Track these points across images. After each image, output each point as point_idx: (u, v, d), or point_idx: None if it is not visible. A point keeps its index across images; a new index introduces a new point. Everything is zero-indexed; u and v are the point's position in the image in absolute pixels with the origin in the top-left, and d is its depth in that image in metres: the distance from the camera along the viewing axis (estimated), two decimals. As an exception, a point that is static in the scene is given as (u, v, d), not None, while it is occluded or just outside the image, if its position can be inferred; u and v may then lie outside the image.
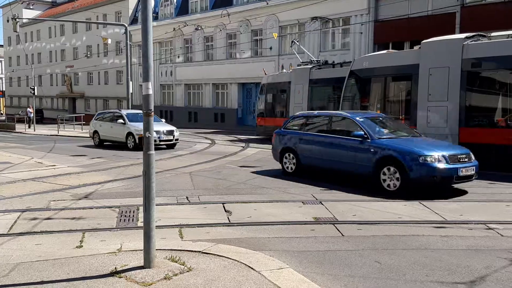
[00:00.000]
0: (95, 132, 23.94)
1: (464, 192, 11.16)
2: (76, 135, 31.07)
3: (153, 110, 6.66)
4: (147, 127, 6.59)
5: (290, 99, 23.92)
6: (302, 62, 25.68)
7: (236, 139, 25.65)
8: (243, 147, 21.43)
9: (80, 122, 40.77)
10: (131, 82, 29.23)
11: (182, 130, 30.99)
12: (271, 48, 37.07)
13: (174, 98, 46.64)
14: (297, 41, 29.21)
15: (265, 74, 29.00)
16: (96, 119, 24.22)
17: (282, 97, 25.00)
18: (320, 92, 22.86)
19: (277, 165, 15.01)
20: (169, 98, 47.53)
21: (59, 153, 19.14)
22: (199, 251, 7.09)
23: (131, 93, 28.28)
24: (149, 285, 6.08)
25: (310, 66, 23.77)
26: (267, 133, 25.11)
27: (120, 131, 21.91)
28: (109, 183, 11.99)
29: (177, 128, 23.11)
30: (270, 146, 17.11)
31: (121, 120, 22.02)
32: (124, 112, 22.46)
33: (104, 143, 23.32)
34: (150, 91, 6.62)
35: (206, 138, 26.34)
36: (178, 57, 45.03)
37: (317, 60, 24.98)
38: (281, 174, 13.49)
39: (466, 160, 10.93)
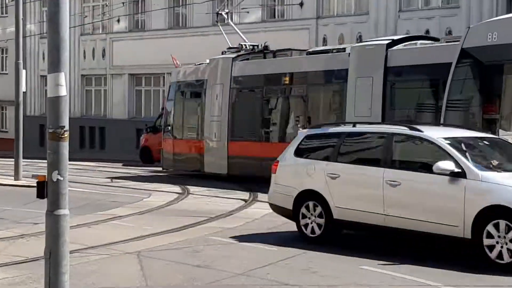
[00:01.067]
0: None
1: None
2: None
3: (67, 127, 6.22)
4: (54, 162, 6.21)
5: (205, 109, 21.57)
6: (230, 48, 22.88)
7: (231, 183, 21.42)
8: (245, 200, 17.98)
9: None
10: (24, 72, 23.93)
11: (121, 167, 28.06)
12: (301, 3, 32.08)
13: (108, 103, 39.53)
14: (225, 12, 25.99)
15: (177, 66, 25.25)
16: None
17: (195, 106, 22.67)
18: (247, 98, 21.02)
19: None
20: (98, 102, 40.19)
21: None
22: None
23: (24, 93, 24.12)
24: None
25: (234, 55, 21.50)
26: (179, 166, 22.94)
27: None
28: None
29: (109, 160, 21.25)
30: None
31: None
32: None
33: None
34: (63, 91, 6.12)
35: (166, 180, 22.34)
36: (118, 21, 38.50)
37: (253, 45, 22.38)
38: (303, 243, 12.09)
39: None
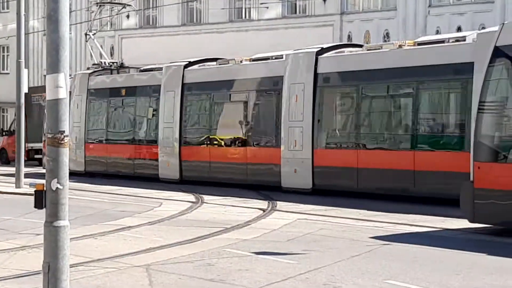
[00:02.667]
0: None
1: None
2: None
3: (67, 132, 6.22)
4: (54, 169, 6.15)
5: (72, 115, 26.15)
6: (93, 65, 28.85)
7: (249, 191, 21.84)
8: (263, 210, 18.00)
9: None
10: (26, 71, 23.97)
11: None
12: (324, -2, 30.58)
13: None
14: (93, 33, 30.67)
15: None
16: None
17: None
18: (99, 109, 26.92)
19: (344, 252, 12.60)
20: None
21: None
22: None
23: (26, 94, 23.79)
24: None
25: (90, 71, 27.79)
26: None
27: None
28: None
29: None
30: (319, 209, 17.10)
31: None
32: None
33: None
34: (63, 93, 6.10)
35: (183, 190, 22.35)
36: (128, 17, 39.62)
37: (110, 63, 28.12)
38: (325, 256, 11.78)
39: None
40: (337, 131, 19.30)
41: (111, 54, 38.46)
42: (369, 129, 18.66)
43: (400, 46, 18.36)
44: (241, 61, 22.56)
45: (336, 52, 19.68)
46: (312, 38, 29.65)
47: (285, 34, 31.36)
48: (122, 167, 25.52)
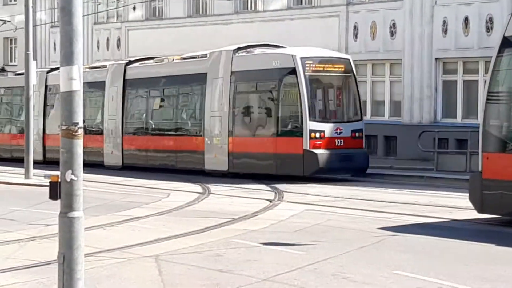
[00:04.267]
0: None
1: None
2: None
3: (81, 124, 6.16)
4: (68, 161, 6.13)
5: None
6: None
7: (256, 182, 21.82)
8: (270, 201, 17.94)
9: None
10: (34, 63, 24.23)
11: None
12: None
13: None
14: None
15: None
16: None
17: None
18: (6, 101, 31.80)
19: (348, 243, 12.47)
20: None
21: None
22: None
23: (34, 85, 24.23)
24: None
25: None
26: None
27: None
28: None
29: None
30: (327, 199, 17.21)
31: None
32: None
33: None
34: (76, 85, 6.06)
35: (190, 181, 22.54)
36: (134, 9, 38.82)
37: None
38: (333, 246, 11.61)
39: None
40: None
41: (118, 46, 38.45)
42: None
43: (173, 59, 24.37)
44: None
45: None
46: (318, 29, 29.59)
47: (291, 25, 31.08)
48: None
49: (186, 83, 24.02)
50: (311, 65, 20.57)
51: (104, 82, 26.20)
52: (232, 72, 21.86)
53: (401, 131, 26.82)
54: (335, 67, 21.13)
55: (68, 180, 6.20)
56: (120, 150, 25.50)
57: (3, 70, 33.14)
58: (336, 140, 20.33)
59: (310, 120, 20.10)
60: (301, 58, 20.40)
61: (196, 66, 23.37)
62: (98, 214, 15.25)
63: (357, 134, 20.94)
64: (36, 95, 28.37)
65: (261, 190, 19.61)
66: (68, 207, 6.35)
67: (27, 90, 22.51)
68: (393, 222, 14.03)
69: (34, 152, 26.88)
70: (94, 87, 26.75)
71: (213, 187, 20.06)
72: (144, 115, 25.82)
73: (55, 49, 40.39)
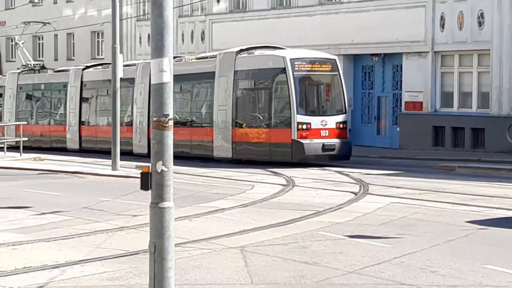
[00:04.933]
0: None
1: None
2: (10, 165, 26.40)
3: (171, 115, 6.20)
4: (159, 152, 6.17)
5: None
6: (22, 65, 35.99)
7: (340, 174, 22.13)
8: (355, 193, 17.81)
9: (15, 139, 32.06)
10: (121, 56, 24.66)
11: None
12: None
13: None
14: (22, 43, 37.63)
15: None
16: None
17: None
18: (26, 100, 35.37)
19: (440, 235, 12.24)
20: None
21: None
22: None
23: (121, 78, 24.28)
24: None
25: (20, 71, 35.62)
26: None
27: None
28: (76, 267, 10.39)
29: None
30: (412, 192, 17.10)
31: None
32: None
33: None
34: (167, 77, 6.10)
35: (274, 173, 22.74)
36: (218, 1, 38.87)
37: (35, 64, 35.74)
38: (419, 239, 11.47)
39: None
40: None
41: (202, 39, 38.56)
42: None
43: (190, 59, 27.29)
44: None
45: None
46: (404, 20, 29.19)
47: (375, 16, 30.70)
48: None
49: (201, 80, 26.41)
50: (300, 65, 23.22)
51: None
52: (235, 71, 24.50)
53: (489, 123, 26.27)
54: (322, 67, 23.75)
55: (159, 171, 6.22)
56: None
57: (43, 67, 35.64)
58: (321, 131, 23.06)
59: (298, 113, 22.79)
60: (291, 59, 23.08)
61: (207, 65, 25.97)
62: (184, 205, 15.38)
63: (341, 126, 23.60)
64: (73, 90, 32.09)
65: (345, 183, 19.56)
66: (159, 197, 6.38)
67: (114, 83, 22.66)
68: (482, 215, 13.76)
69: (70, 141, 32.21)
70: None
71: (297, 180, 20.03)
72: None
73: (140, 42, 40.91)
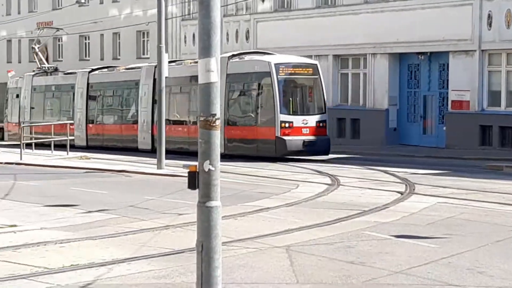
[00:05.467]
0: None
1: None
2: (57, 163, 26.68)
3: (218, 115, 6.28)
4: (206, 151, 6.21)
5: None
6: (37, 68, 38.76)
7: (386, 174, 22.09)
8: (401, 193, 17.72)
9: (63, 138, 31.90)
10: (166, 55, 24.90)
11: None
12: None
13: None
14: (38, 47, 40.71)
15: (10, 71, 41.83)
16: None
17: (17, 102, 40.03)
18: (39, 99, 38.04)
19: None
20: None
21: (23, 201, 17.25)
22: None
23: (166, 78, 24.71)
24: None
25: (34, 73, 38.33)
26: None
27: None
28: (122, 265, 10.52)
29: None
30: (459, 192, 16.99)
31: None
32: None
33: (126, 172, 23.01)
34: (214, 76, 6.15)
35: (319, 172, 22.82)
36: (263, 1, 38.52)
37: (49, 67, 38.47)
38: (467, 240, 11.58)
39: None
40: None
41: (247, 38, 38.57)
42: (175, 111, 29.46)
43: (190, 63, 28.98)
44: (119, 69, 33.76)
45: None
46: (450, 18, 28.92)
47: (421, 14, 30.46)
48: None
49: (196, 82, 29.98)
50: (283, 69, 25.69)
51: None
52: (227, 75, 26.58)
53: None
54: (303, 71, 26.18)
55: (206, 170, 6.24)
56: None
57: (56, 70, 38.36)
58: (302, 129, 25.42)
59: (281, 113, 25.20)
60: (275, 64, 25.51)
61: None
62: (229, 204, 15.31)
63: (321, 124, 25.99)
64: (79, 91, 34.76)
65: (390, 182, 19.45)
66: (206, 196, 6.40)
67: (159, 82, 22.81)
68: (531, 216, 13.54)
69: (78, 138, 34.25)
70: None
71: (342, 179, 19.98)
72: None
73: (185, 41, 41.09)
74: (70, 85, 35.59)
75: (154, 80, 29.17)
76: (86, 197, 17.56)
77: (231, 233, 12.26)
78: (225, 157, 25.08)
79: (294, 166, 24.70)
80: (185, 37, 41.27)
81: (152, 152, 30.45)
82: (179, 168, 22.23)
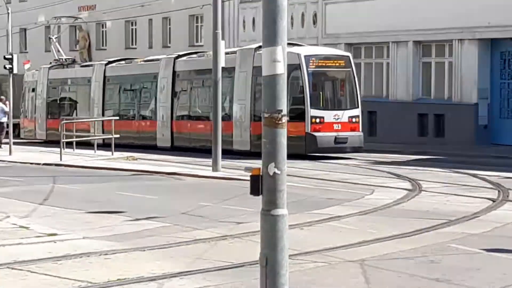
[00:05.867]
0: None
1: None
2: (101, 164, 27.18)
3: (285, 111, 6.46)
4: (271, 152, 6.35)
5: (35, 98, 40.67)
6: (54, 60, 41.43)
7: (476, 178, 22.23)
8: (493, 200, 17.90)
9: (108, 136, 32.53)
10: (223, 42, 25.15)
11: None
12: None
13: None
14: (55, 37, 44.13)
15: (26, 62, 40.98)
16: None
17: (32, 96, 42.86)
18: (56, 93, 41.46)
19: None
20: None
21: (63, 206, 17.60)
22: None
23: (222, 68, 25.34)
24: None
25: (50, 66, 41.13)
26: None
27: None
28: (174, 279, 10.58)
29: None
30: None
31: None
32: None
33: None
34: (280, 68, 6.26)
35: (398, 175, 23.18)
36: None
37: (66, 59, 41.30)
38: None
39: None
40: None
41: (314, 23, 38.75)
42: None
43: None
44: (137, 61, 36.48)
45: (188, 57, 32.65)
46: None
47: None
48: None
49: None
50: (314, 61, 27.01)
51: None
52: (253, 67, 28.03)
53: None
54: (335, 63, 27.66)
55: (271, 173, 6.31)
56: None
57: (74, 61, 41.29)
58: (334, 125, 26.96)
59: (311, 108, 26.60)
60: (305, 56, 26.85)
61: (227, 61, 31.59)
62: (294, 212, 15.41)
63: (353, 120, 27.40)
64: (96, 85, 37.34)
65: (480, 188, 19.50)
66: (271, 203, 6.47)
67: (215, 73, 23.00)
68: None
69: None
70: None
71: (424, 183, 20.04)
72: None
73: (244, 26, 41.34)
74: (87, 78, 38.20)
75: (174, 73, 32.41)
76: (133, 202, 17.90)
77: (297, 244, 12.27)
78: (251, 155, 27.05)
79: (367, 168, 24.82)
80: (243, 21, 41.63)
81: (172, 150, 32.71)
82: (237, 170, 22.47)
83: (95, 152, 30.28)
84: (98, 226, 14.69)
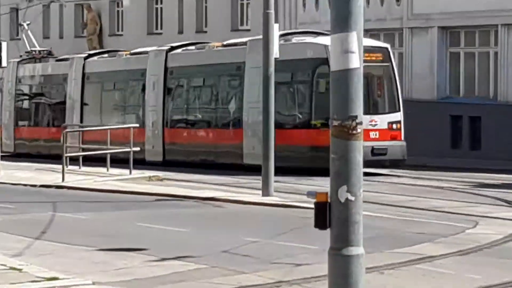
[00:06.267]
0: None
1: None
2: (116, 187, 27.71)
3: (360, 118, 6.67)
4: (342, 172, 6.41)
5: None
6: (26, 52, 43.58)
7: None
8: None
9: (126, 149, 31.50)
10: (276, 26, 24.80)
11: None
12: None
13: (406, 75, 41.45)
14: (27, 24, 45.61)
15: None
16: None
17: None
18: (27, 91, 43.44)
19: None
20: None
21: (66, 242, 17.65)
22: None
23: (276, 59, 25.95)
24: None
25: (19, 60, 43.05)
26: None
27: None
28: None
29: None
30: None
31: None
32: None
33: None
34: (355, 60, 6.35)
35: (508, 202, 23.79)
36: None
37: (40, 51, 43.02)
38: None
39: None
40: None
41: (397, 1, 39.46)
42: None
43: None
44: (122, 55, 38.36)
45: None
46: None
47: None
48: None
49: (224, 73, 32.06)
50: None
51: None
52: (167, 69, 31.62)
53: None
54: (371, 56, 28.01)
55: (343, 200, 6.34)
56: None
57: (50, 53, 42.75)
58: (370, 133, 27.49)
59: None
60: None
61: (229, 55, 32.25)
62: (370, 250, 15.41)
63: (394, 126, 28.44)
64: (73, 84, 39.34)
65: None
66: (342, 240, 6.49)
67: (266, 66, 23.28)
68: None
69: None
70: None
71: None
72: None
73: (304, 6, 41.79)
74: (62, 75, 40.36)
75: (166, 69, 33.93)
76: (157, 236, 18.11)
77: (377, 293, 12.54)
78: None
79: (467, 192, 24.69)
80: (303, 0, 41.84)
81: (163, 165, 34.01)
82: (294, 194, 22.53)
83: (107, 170, 30.55)
84: (112, 268, 14.84)
